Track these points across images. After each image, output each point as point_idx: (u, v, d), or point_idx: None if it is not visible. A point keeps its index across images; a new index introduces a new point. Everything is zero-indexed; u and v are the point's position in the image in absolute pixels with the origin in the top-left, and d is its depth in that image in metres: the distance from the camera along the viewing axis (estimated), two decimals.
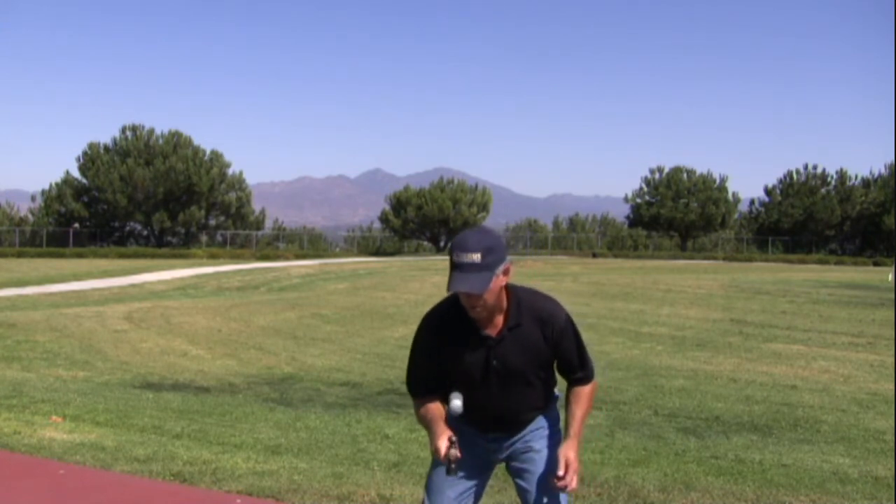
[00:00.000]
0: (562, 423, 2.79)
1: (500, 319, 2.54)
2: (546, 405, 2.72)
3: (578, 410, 2.65)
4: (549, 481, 2.63)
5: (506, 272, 2.46)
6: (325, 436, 6.23)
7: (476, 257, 2.37)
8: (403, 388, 10.09)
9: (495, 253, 2.40)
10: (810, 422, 7.90)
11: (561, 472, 2.52)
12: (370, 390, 9.72)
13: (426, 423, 2.64)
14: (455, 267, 2.39)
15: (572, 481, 2.52)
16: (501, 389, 2.58)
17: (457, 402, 2.56)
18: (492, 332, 2.54)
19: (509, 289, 2.54)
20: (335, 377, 10.72)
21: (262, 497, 4.34)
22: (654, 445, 6.46)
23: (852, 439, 7.10)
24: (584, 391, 2.68)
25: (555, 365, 2.68)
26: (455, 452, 2.51)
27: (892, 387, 9.87)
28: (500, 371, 2.56)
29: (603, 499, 4.44)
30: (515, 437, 2.69)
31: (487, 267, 2.38)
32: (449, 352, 2.57)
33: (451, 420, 2.63)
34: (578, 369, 2.66)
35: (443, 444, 2.50)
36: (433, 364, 2.62)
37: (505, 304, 2.53)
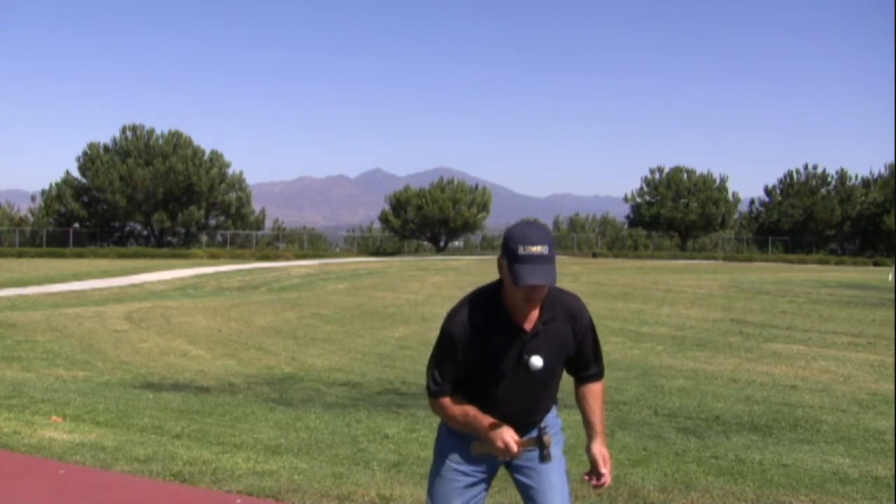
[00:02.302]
0: (561, 424, 2.79)
1: (534, 314, 2.52)
2: (553, 406, 2.73)
3: (597, 407, 2.69)
4: (555, 479, 2.63)
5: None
6: (325, 436, 6.23)
7: (545, 249, 2.37)
8: (403, 387, 10.04)
9: (554, 245, 2.42)
10: (810, 422, 7.90)
11: (602, 470, 2.60)
12: (370, 390, 9.72)
13: (469, 420, 2.55)
14: (523, 260, 2.36)
15: (609, 477, 2.61)
16: (526, 385, 2.56)
17: (537, 360, 2.51)
18: (527, 326, 2.52)
19: None
20: (335, 377, 10.72)
21: (262, 497, 4.34)
22: (654, 445, 6.46)
23: (852, 439, 7.10)
24: (598, 387, 2.71)
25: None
26: (549, 438, 2.48)
27: (892, 387, 9.86)
28: (531, 365, 2.55)
29: (603, 499, 4.44)
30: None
31: (553, 259, 2.40)
32: (481, 346, 2.51)
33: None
34: (593, 364, 2.69)
35: (510, 437, 2.46)
36: (461, 358, 2.54)
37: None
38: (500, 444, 2.46)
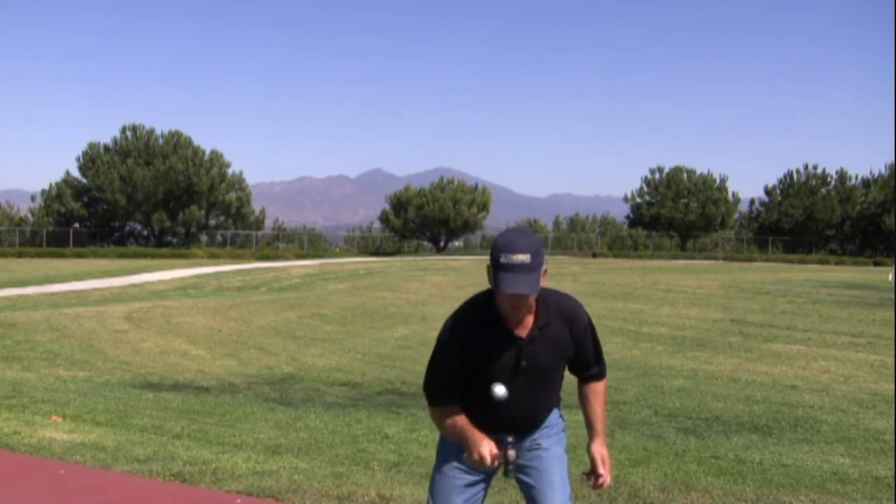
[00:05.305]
0: (564, 424, 2.80)
1: (529, 320, 2.54)
2: (556, 404, 2.75)
3: (598, 407, 2.71)
4: (556, 479, 2.65)
5: (545, 273, 2.47)
6: (325, 436, 6.23)
7: (526, 258, 2.38)
8: (403, 387, 10.04)
9: (540, 254, 2.42)
10: (810, 422, 7.90)
11: (601, 470, 2.62)
12: (370, 390, 9.73)
13: (457, 431, 2.59)
14: (504, 268, 2.39)
15: (608, 477, 2.62)
16: (526, 390, 2.57)
17: (500, 389, 2.52)
18: (521, 332, 2.54)
19: None
20: (335, 377, 10.72)
21: (262, 497, 4.34)
22: (654, 445, 6.46)
23: (852, 439, 7.10)
24: (600, 387, 2.72)
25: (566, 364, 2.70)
26: (513, 453, 2.52)
27: (892, 387, 9.87)
28: (529, 371, 2.56)
29: (603, 499, 4.45)
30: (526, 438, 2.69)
31: (536, 268, 2.40)
32: (478, 353, 2.54)
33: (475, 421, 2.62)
34: (594, 365, 2.71)
35: (486, 451, 2.51)
36: (457, 368, 2.57)
37: (534, 304, 2.55)
38: (475, 456, 2.52)
